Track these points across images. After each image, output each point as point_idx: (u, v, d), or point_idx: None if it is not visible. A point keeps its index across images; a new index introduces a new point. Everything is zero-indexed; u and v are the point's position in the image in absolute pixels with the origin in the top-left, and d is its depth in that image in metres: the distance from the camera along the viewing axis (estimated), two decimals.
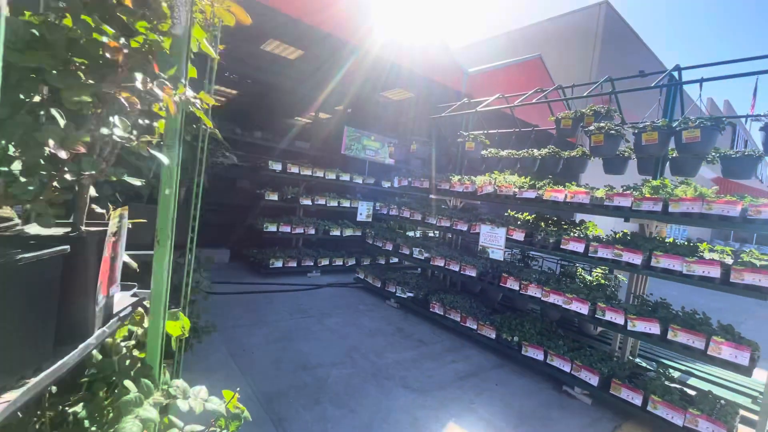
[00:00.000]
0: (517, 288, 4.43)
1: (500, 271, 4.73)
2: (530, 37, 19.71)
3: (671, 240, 3.95)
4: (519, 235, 4.63)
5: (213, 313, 4.66)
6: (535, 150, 5.87)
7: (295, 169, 7.18)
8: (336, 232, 7.58)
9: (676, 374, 4.07)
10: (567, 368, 3.78)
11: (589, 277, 5.47)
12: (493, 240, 4.89)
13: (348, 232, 7.70)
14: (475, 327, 4.68)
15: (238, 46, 7.43)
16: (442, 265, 5.34)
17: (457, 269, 5.12)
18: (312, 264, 7.22)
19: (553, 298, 4.04)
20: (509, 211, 6.02)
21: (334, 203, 7.71)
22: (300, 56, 7.91)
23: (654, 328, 3.35)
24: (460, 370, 4.00)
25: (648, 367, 4.13)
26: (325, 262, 7.40)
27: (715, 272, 3.16)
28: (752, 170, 3.97)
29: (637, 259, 3.57)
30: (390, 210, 6.63)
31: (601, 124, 4.04)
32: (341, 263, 7.64)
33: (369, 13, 6.77)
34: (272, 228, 6.71)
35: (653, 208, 3.60)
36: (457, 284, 5.99)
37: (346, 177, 7.93)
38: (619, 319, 3.56)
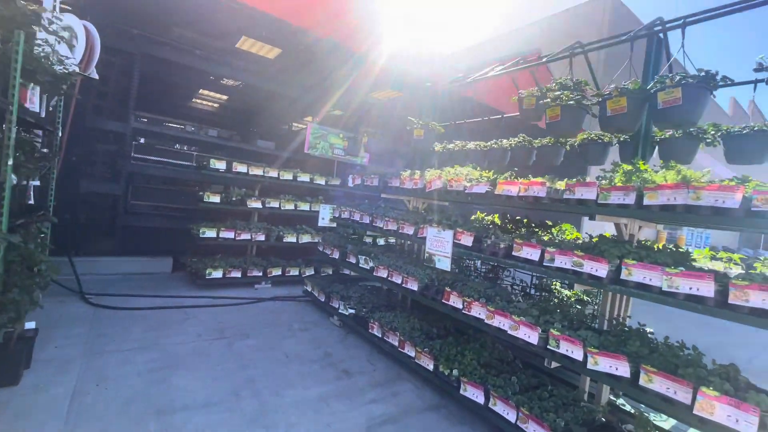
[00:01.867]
0: (460, 306, 3.49)
1: (444, 284, 3.81)
2: (536, 33, 18.73)
3: (659, 245, 2.97)
4: (467, 240, 3.71)
5: (101, 332, 3.91)
6: (504, 140, 4.97)
7: (242, 168, 6.44)
8: (291, 239, 6.78)
9: (668, 425, 3.03)
10: (512, 417, 2.81)
11: (567, 293, 4.47)
12: (440, 246, 3.98)
13: (305, 239, 6.89)
14: (413, 354, 3.75)
15: (209, 43, 6.83)
16: (385, 276, 4.44)
17: (399, 281, 4.22)
18: (260, 274, 6.42)
19: (499, 321, 3.09)
20: (478, 212, 5.11)
21: (289, 206, 6.92)
22: (278, 54, 7.27)
23: (621, 368, 2.37)
24: (377, 414, 3.09)
25: (632, 413, 3.11)
26: (277, 271, 6.59)
27: (707, 289, 2.19)
28: (765, 151, 2.98)
29: (601, 270, 2.61)
30: (341, 213, 5.79)
31: (558, 92, 3.12)
32: (297, 273, 6.81)
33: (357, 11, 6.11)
34: (211, 234, 5.96)
35: (624, 200, 2.65)
36: (408, 299, 5.07)
37: (305, 178, 7.15)
38: (577, 353, 2.59)
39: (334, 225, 7.00)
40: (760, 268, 3.01)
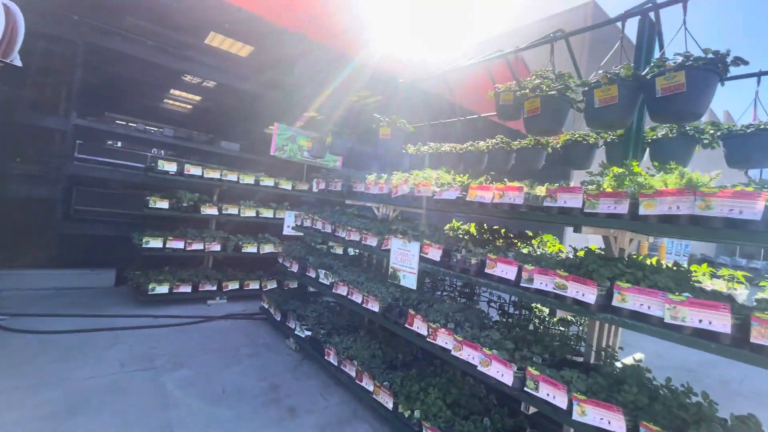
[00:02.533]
0: (425, 333, 2.96)
1: (409, 305, 3.28)
2: (516, 42, 18.63)
3: (653, 261, 2.52)
4: (435, 254, 3.20)
5: (4, 364, 3.23)
6: (481, 142, 4.53)
7: (195, 171, 5.81)
8: (251, 249, 6.16)
9: None
10: None
11: (555, 318, 3.99)
12: (405, 260, 3.46)
13: (267, 249, 6.27)
14: (371, 389, 3.19)
15: (172, 36, 6.22)
16: (344, 294, 3.89)
17: (360, 301, 3.67)
18: (215, 288, 5.76)
19: (468, 354, 2.57)
20: (454, 221, 4.62)
21: (250, 213, 6.31)
22: (251, 53, 6.71)
23: (615, 423, 1.87)
24: None
25: None
26: (234, 285, 5.95)
27: (722, 323, 1.72)
28: None
29: (588, 294, 2.12)
30: (303, 221, 5.22)
31: (536, 80, 2.65)
32: (258, 287, 6.18)
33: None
34: (155, 243, 5.30)
35: (615, 209, 2.17)
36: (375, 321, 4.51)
37: (268, 182, 6.55)
38: (561, 399, 2.09)
39: (301, 234, 6.43)
40: None
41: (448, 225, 4.69)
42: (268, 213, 6.49)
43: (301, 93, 7.27)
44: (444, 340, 2.78)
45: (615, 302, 2.07)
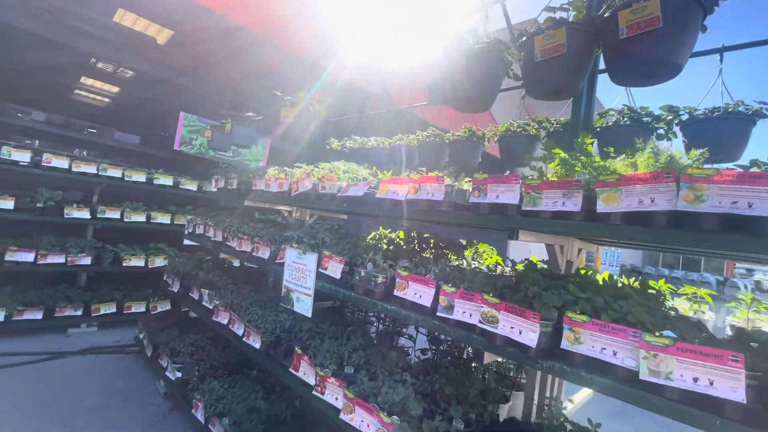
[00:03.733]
0: (312, 381, 2.11)
1: (299, 340, 2.42)
2: None
3: (603, 276, 1.89)
4: (336, 268, 2.38)
5: None
6: (411, 135, 3.85)
7: (60, 163, 4.56)
8: (136, 261, 4.96)
9: None
10: None
11: None
12: (300, 277, 2.60)
13: (160, 261, 5.10)
14: None
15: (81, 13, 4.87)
16: (225, 323, 2.93)
17: (241, 333, 2.74)
18: (80, 313, 4.49)
19: (360, 419, 1.75)
20: (381, 228, 3.86)
21: (139, 218, 5.11)
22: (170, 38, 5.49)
23: None
24: None
25: None
26: (109, 308, 4.70)
27: (730, 385, 1.05)
28: (742, 142, 2.11)
29: (528, 331, 1.40)
30: (195, 227, 4.19)
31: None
32: (145, 309, 4.97)
33: None
34: None
35: (563, 204, 1.50)
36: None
37: (166, 180, 5.41)
38: None
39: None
40: (744, 313, 2.06)
41: (374, 233, 3.93)
42: (163, 218, 5.33)
43: (218, 80, 6.21)
44: (334, 393, 1.94)
45: (566, 343, 1.37)
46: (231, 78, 5.99)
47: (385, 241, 3.62)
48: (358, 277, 2.19)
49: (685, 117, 2.28)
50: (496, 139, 3.26)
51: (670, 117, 2.32)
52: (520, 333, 1.43)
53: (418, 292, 1.89)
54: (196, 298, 3.51)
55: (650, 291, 1.49)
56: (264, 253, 2.94)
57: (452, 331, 1.69)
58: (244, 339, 2.66)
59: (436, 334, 3.38)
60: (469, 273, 1.89)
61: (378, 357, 2.08)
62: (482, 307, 1.56)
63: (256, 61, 5.56)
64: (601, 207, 1.40)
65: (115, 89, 7.43)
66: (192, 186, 5.67)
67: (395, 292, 2.00)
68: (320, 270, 2.47)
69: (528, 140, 3.00)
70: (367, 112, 4.48)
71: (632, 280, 2.03)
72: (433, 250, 3.36)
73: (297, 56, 5.02)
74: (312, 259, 2.51)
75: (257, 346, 2.53)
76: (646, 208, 1.30)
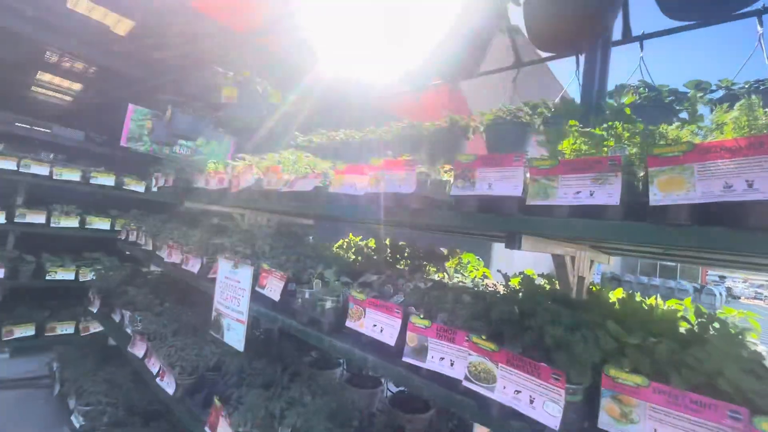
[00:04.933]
0: None
1: (220, 386, 1.80)
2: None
3: (622, 297, 1.38)
4: (275, 287, 1.78)
5: None
6: (383, 127, 3.31)
7: None
8: (65, 275, 4.22)
9: None
10: None
11: None
12: (234, 297, 1.99)
13: (92, 275, 4.36)
14: None
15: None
16: (141, 356, 2.28)
17: (156, 371, 2.09)
18: None
19: None
20: (351, 235, 3.32)
21: (70, 223, 4.38)
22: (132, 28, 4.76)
23: None
24: None
25: None
26: (26, 330, 3.93)
27: None
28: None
29: (545, 405, 0.85)
30: (128, 234, 3.52)
31: None
32: (73, 330, 4.22)
33: None
34: None
35: (591, 195, 0.97)
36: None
37: (105, 180, 4.70)
38: None
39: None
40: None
41: (342, 240, 3.38)
42: (101, 223, 4.60)
43: (172, 68, 5.54)
44: None
45: (606, 420, 0.82)
46: (184, 66, 5.34)
47: (352, 251, 3.06)
48: (300, 300, 1.61)
49: (719, 94, 1.81)
50: (482, 129, 2.76)
51: (700, 95, 1.85)
52: (532, 402, 0.88)
53: (379, 324, 1.33)
54: (117, 320, 2.84)
55: (729, 332, 0.95)
56: (194, 265, 2.32)
57: (425, 387, 1.12)
58: (158, 380, 2.02)
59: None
60: (450, 296, 1.33)
61: (321, 416, 1.49)
62: (470, 354, 1.00)
63: (215, 49, 4.93)
64: (658, 197, 0.88)
65: (59, 80, 6.65)
66: (139, 187, 4.97)
67: (347, 323, 1.42)
68: (257, 289, 1.88)
69: (520, 129, 2.51)
70: (339, 109, 3.93)
71: (654, 299, 1.53)
72: (408, 262, 2.82)
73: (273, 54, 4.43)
74: (246, 274, 1.91)
75: (170, 391, 1.89)
76: (740, 196, 0.78)
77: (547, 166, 1.08)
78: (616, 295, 1.73)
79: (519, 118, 2.49)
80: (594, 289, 1.78)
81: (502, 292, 1.54)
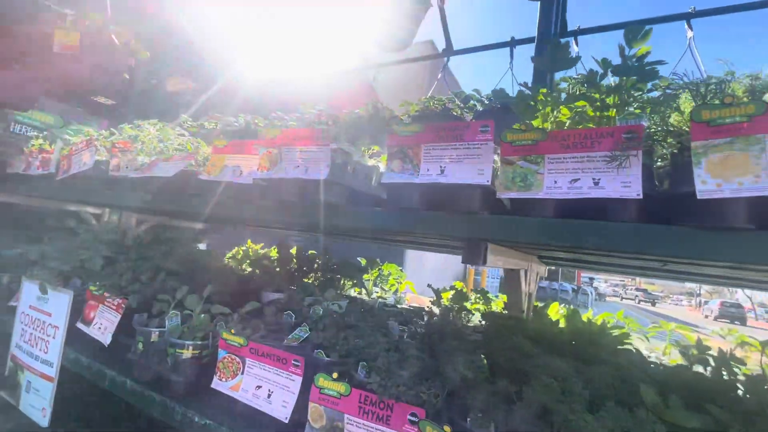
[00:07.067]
0: None
1: None
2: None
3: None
4: (106, 323, 1.14)
5: None
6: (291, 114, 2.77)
7: None
8: None
9: None
10: None
11: None
12: (40, 340, 1.26)
13: None
14: None
15: None
16: None
17: None
18: None
19: None
20: (249, 242, 2.71)
21: None
22: None
23: None
24: None
25: None
26: None
27: None
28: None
29: None
30: None
31: None
32: None
33: None
34: None
35: (596, 183, 0.62)
36: None
37: None
38: None
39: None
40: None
41: (238, 248, 2.76)
42: None
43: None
44: None
45: None
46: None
47: (248, 261, 2.47)
48: (142, 345, 1.01)
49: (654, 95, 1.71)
50: (409, 122, 2.42)
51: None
52: None
53: (266, 385, 0.83)
54: None
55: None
56: None
57: None
58: None
59: None
60: (378, 336, 0.89)
61: None
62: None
63: None
64: (707, 185, 0.56)
65: None
66: None
67: (215, 382, 0.89)
68: (79, 325, 1.20)
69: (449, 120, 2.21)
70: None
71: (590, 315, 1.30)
72: (319, 275, 2.33)
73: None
74: (62, 303, 1.22)
75: None
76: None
77: (530, 142, 0.72)
78: (552, 312, 1.48)
79: (450, 110, 2.20)
80: (536, 304, 1.52)
81: (453, 327, 1.14)
